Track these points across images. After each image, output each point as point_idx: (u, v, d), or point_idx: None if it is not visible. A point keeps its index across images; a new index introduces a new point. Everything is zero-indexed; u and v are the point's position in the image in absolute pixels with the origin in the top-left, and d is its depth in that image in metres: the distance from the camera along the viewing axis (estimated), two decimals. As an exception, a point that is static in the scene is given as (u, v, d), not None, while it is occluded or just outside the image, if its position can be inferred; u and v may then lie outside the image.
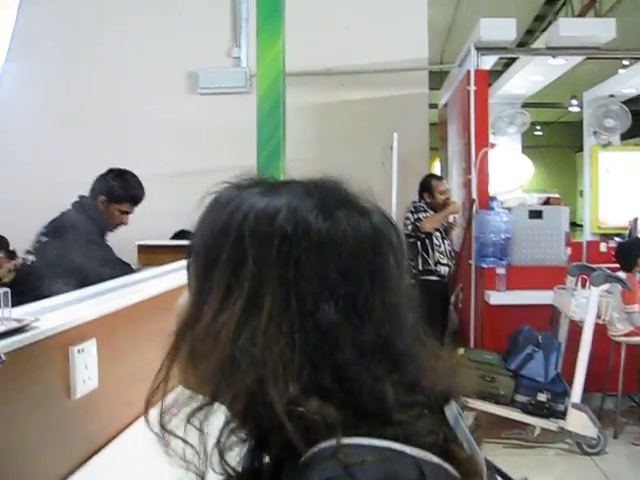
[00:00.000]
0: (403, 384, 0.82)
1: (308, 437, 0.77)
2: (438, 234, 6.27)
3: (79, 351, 1.82)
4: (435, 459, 0.76)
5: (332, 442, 0.75)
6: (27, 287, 3.34)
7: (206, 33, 7.05)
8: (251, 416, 0.82)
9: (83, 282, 2.88)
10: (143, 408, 0.91)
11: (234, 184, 0.91)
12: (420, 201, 6.33)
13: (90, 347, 1.88)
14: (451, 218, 6.60)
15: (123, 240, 4.31)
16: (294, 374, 0.78)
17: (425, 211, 6.23)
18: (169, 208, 5.57)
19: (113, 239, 4.07)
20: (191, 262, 0.90)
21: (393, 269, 0.87)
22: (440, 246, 6.26)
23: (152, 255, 4.77)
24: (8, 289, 1.64)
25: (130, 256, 4.96)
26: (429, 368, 0.87)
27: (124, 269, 3.75)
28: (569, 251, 6.73)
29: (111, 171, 3.95)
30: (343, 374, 0.79)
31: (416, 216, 6.17)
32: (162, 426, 0.87)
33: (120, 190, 3.87)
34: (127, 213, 3.94)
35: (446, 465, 0.77)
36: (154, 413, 0.88)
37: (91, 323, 1.89)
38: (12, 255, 6.52)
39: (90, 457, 1.89)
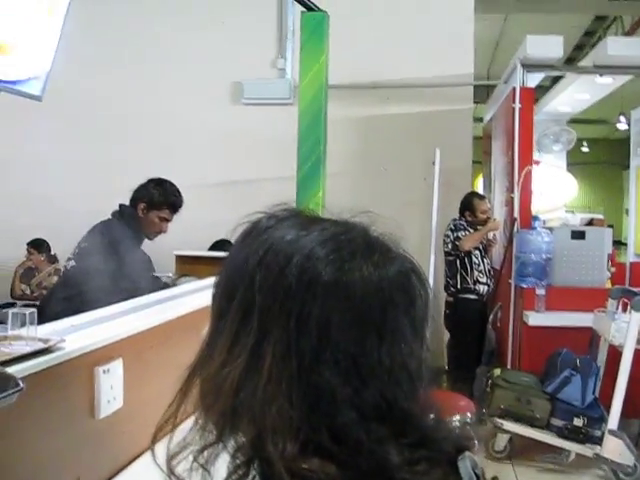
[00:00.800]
0: (409, 443, 0.79)
1: None
2: (478, 252, 6.23)
3: (104, 371, 1.82)
4: None
5: None
6: (67, 293, 3.43)
7: (252, 44, 7.09)
8: (253, 468, 0.80)
9: (118, 290, 2.93)
10: (151, 441, 0.90)
11: (266, 217, 0.88)
12: (461, 219, 6.30)
13: (116, 367, 1.89)
14: (491, 235, 6.55)
15: (161, 250, 4.33)
16: (292, 432, 0.76)
17: (465, 229, 6.19)
18: (208, 218, 5.59)
19: (151, 248, 4.09)
20: (215, 295, 0.88)
21: (407, 325, 0.82)
22: (479, 265, 6.22)
23: (190, 265, 4.77)
24: (35, 309, 1.65)
25: (168, 266, 4.98)
26: (441, 422, 0.85)
27: (156, 282, 3.80)
28: (613, 269, 6.63)
29: (151, 180, 4.02)
30: (342, 435, 0.76)
31: (456, 234, 6.13)
32: (170, 470, 0.85)
33: (159, 197, 3.93)
34: (167, 220, 3.98)
35: None
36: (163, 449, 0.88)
37: (118, 343, 1.90)
38: (53, 259, 6.63)
39: (113, 476, 1.89)
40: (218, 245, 5.57)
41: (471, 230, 6.22)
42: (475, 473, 0.80)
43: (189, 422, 0.86)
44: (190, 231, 4.59)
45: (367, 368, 0.78)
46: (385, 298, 0.81)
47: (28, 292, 6.81)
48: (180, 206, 4.02)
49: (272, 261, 0.80)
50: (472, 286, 6.18)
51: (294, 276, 0.78)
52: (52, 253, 6.80)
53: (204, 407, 0.84)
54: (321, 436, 0.76)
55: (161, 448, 0.88)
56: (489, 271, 6.34)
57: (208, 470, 0.83)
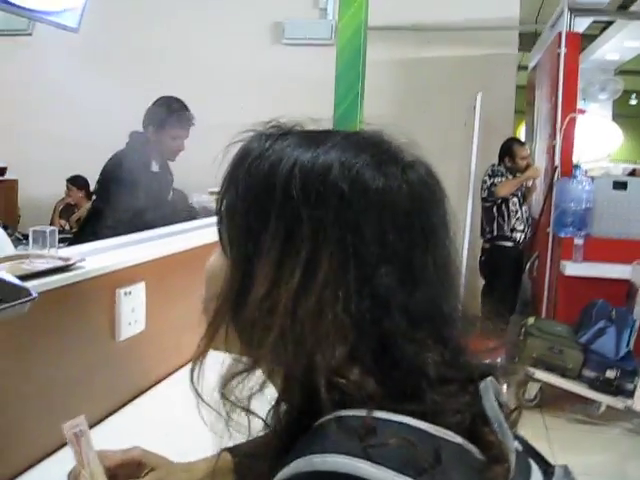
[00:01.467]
0: (446, 355, 0.78)
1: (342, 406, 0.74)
2: (516, 199, 6.16)
3: (126, 294, 1.82)
4: (458, 439, 0.72)
5: (359, 412, 0.72)
6: (94, 227, 3.45)
7: (294, -18, 6.99)
8: (294, 384, 0.78)
9: (130, 218, 2.95)
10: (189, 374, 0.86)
11: (263, 133, 0.85)
12: (500, 165, 6.22)
13: (138, 290, 1.88)
14: (530, 182, 6.46)
15: (197, 188, 4.33)
16: (343, 341, 0.74)
17: (502, 175, 6.12)
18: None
19: (186, 186, 4.08)
20: (225, 220, 0.85)
21: (442, 226, 0.83)
22: (517, 212, 6.15)
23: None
24: (55, 228, 1.65)
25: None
26: (471, 339, 0.84)
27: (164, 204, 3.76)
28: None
29: (156, 101, 4.00)
30: (388, 343, 0.75)
31: (492, 180, 6.07)
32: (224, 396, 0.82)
33: (165, 116, 3.85)
34: (180, 137, 3.90)
35: (470, 446, 0.73)
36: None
37: (140, 266, 1.89)
38: (91, 196, 6.68)
39: (133, 399, 1.90)
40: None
41: (509, 176, 6.15)
42: (498, 400, 0.77)
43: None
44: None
45: (418, 271, 0.79)
46: (424, 200, 0.81)
47: (67, 228, 6.88)
48: (189, 120, 3.91)
49: (309, 169, 0.78)
50: (509, 233, 6.12)
51: (346, 185, 0.77)
52: (91, 190, 6.84)
53: (248, 330, 0.80)
54: (369, 345, 0.75)
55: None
56: (527, 219, 6.27)
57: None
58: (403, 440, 0.69)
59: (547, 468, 0.88)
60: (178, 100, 3.94)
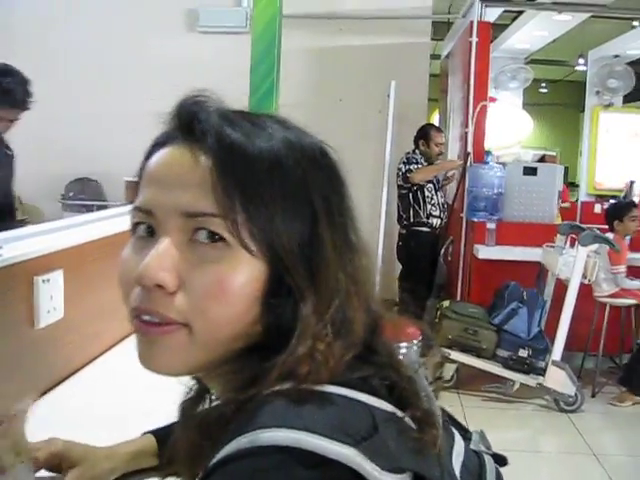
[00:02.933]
0: (375, 328, 0.82)
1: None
2: (431, 186, 6.23)
3: (44, 281, 1.81)
4: (389, 408, 0.75)
5: (298, 385, 0.74)
6: None
7: (208, -31, 6.92)
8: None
9: None
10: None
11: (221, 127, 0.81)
12: (415, 151, 6.26)
13: (56, 278, 1.88)
14: (450, 173, 6.57)
15: (112, 175, 4.28)
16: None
17: (417, 162, 6.17)
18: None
19: (101, 174, 4.01)
20: (245, 216, 0.76)
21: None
22: (432, 198, 6.22)
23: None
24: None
25: (118, 192, 4.94)
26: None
27: None
28: (567, 204, 6.76)
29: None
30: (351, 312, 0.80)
31: (408, 167, 6.11)
32: None
33: None
34: (4, 119, 3.38)
35: (402, 415, 0.76)
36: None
37: (58, 254, 1.88)
38: None
39: (53, 387, 1.90)
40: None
41: (424, 163, 6.22)
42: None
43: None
44: (141, 158, 4.53)
45: (361, 240, 0.85)
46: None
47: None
48: (18, 101, 3.35)
49: (313, 147, 0.83)
50: (425, 219, 6.19)
51: (334, 163, 0.84)
52: None
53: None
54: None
55: None
56: (442, 205, 6.36)
57: None
58: (342, 411, 0.71)
59: (465, 433, 0.95)
60: (19, 73, 3.36)
